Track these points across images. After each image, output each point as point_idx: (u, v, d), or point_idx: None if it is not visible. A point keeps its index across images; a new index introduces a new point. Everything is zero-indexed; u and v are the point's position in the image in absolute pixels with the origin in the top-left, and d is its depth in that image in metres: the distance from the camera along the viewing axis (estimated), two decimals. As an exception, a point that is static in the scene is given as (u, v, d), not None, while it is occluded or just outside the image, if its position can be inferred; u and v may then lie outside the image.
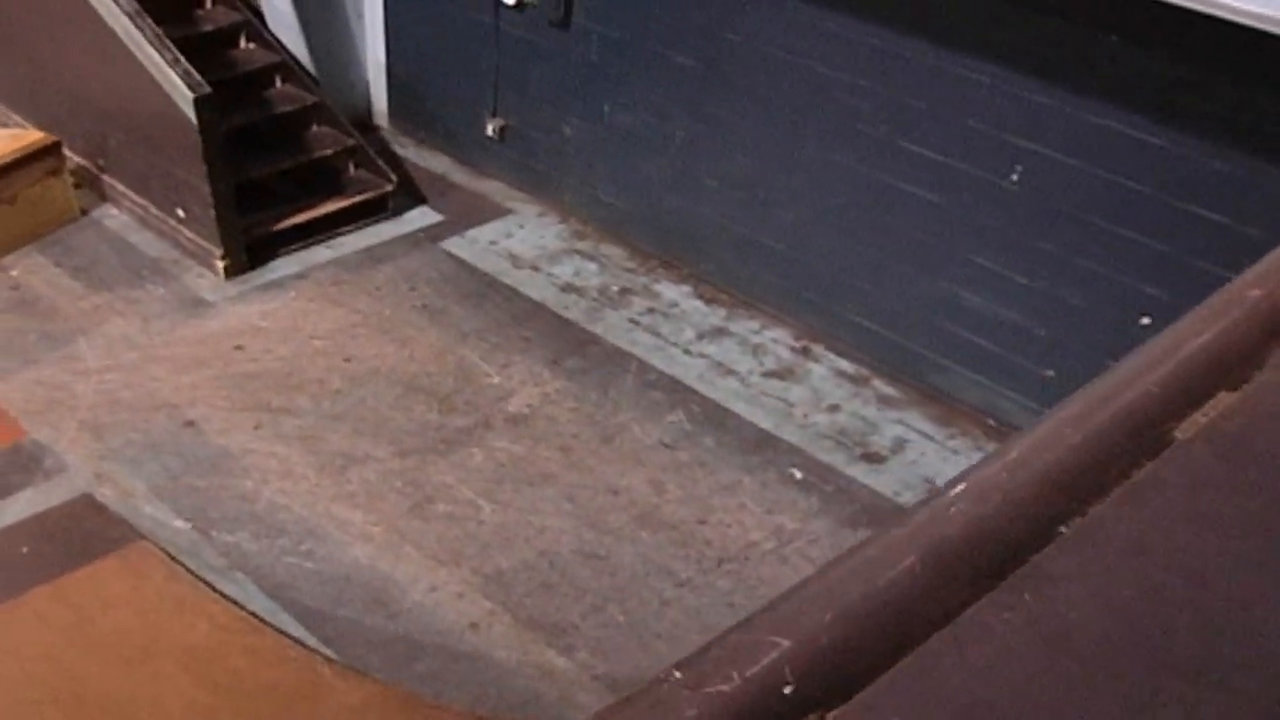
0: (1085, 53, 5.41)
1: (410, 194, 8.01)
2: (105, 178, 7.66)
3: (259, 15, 8.05)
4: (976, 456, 6.09)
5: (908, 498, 5.83)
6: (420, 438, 5.97)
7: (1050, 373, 6.04)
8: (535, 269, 7.35)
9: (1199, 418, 1.55)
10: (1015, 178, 5.81)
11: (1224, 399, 1.59)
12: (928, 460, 6.08)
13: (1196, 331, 1.73)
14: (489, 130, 8.13)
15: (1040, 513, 1.42)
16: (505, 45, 7.77)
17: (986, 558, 1.36)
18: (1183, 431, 1.53)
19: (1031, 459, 1.50)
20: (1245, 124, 5.12)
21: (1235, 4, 4.67)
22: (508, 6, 7.54)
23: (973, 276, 6.14)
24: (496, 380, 6.40)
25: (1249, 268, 1.91)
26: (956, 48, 5.78)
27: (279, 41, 7.83)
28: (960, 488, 1.44)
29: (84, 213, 7.54)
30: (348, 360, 6.45)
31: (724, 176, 6.99)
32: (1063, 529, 1.40)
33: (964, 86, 5.82)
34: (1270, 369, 1.64)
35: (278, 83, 7.76)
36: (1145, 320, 5.64)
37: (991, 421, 6.29)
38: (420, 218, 7.82)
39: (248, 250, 7.14)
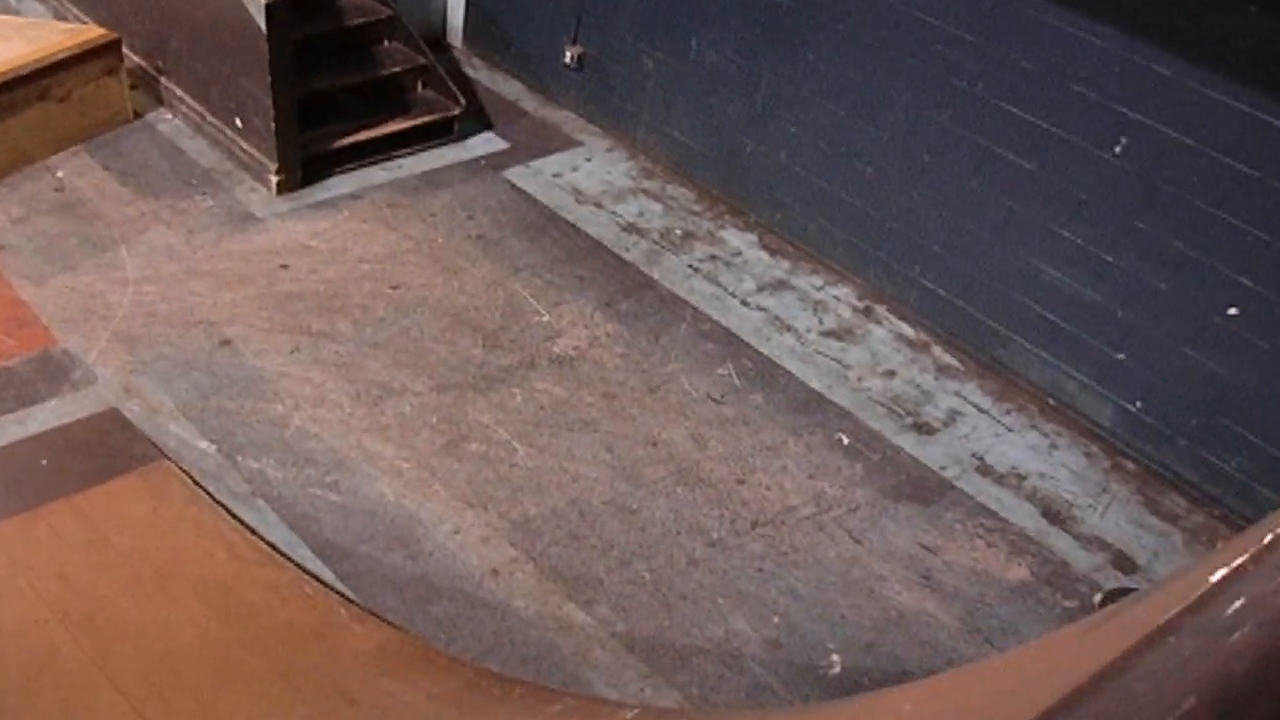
0: (1217, 21, 5.30)
1: (477, 119, 8.13)
2: (163, 81, 7.83)
3: (338, -80, 8.17)
4: (1031, 435, 6.15)
5: (954, 472, 5.90)
6: (461, 373, 6.13)
7: (1122, 356, 6.04)
8: (598, 206, 7.46)
9: None
10: (1118, 150, 5.77)
11: None
12: (979, 435, 6.13)
13: None
14: (567, 57, 8.21)
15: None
16: (591, -30, 7.85)
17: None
18: None
19: None
20: None
21: None
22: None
23: (1055, 250, 6.13)
24: (546, 319, 6.54)
25: None
26: (1071, 4, 5.73)
27: (356, -51, 7.96)
28: (1239, 604, 1.24)
29: (138, 116, 7.73)
30: (394, 287, 6.62)
31: (807, 123, 7.02)
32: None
33: (1074, 47, 5.77)
34: None
35: (353, -9, 7.90)
36: (1233, 310, 5.61)
37: (1052, 401, 6.31)
38: (485, 144, 7.94)
39: (303, 166, 7.30)
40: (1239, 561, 1.29)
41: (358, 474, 5.54)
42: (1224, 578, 1.27)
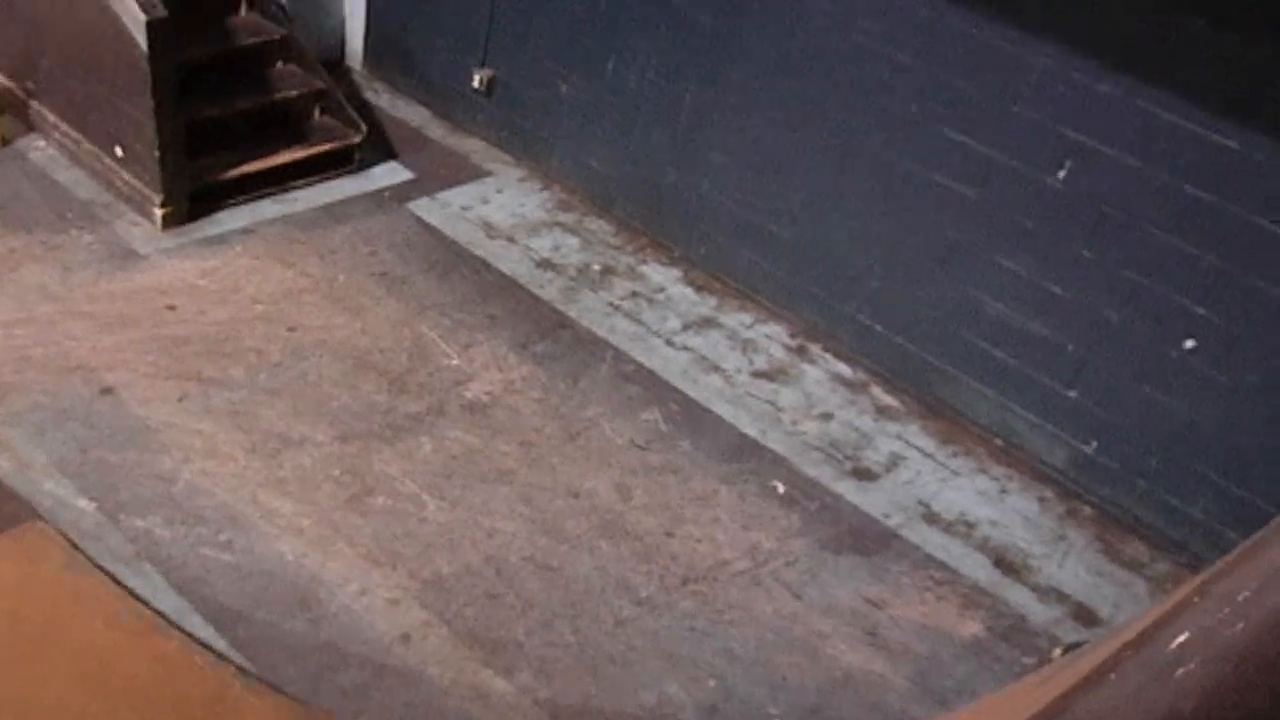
0: (1165, 37, 5.20)
1: (380, 147, 7.84)
2: (34, 104, 7.46)
3: (231, -72, 7.86)
4: (980, 479, 5.97)
5: (898, 520, 5.69)
6: (365, 421, 5.82)
7: (1074, 393, 5.89)
8: (511, 240, 7.19)
9: None
10: (1062, 174, 5.64)
11: None
12: (924, 481, 5.93)
13: None
14: (475, 81, 7.95)
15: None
16: (505, -13, 7.61)
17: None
18: None
19: (1267, 602, 1.26)
20: None
21: None
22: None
23: (1000, 281, 5.98)
24: (456, 362, 6.25)
25: None
26: (1012, 23, 5.59)
27: (249, -38, 7.66)
28: (1183, 638, 1.24)
29: (6, 143, 7.34)
30: (292, 329, 6.29)
31: (733, 151, 6.82)
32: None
33: (1016, 68, 5.63)
34: None
35: (242, 10, 7.58)
36: (1189, 343, 5.49)
37: (999, 442, 6.14)
38: (388, 175, 7.66)
39: (191, 199, 6.95)
40: (1183, 595, 1.30)
41: (253, 532, 5.20)
42: (1167, 612, 1.27)
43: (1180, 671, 1.20)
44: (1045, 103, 5.62)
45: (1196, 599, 1.29)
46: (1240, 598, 1.26)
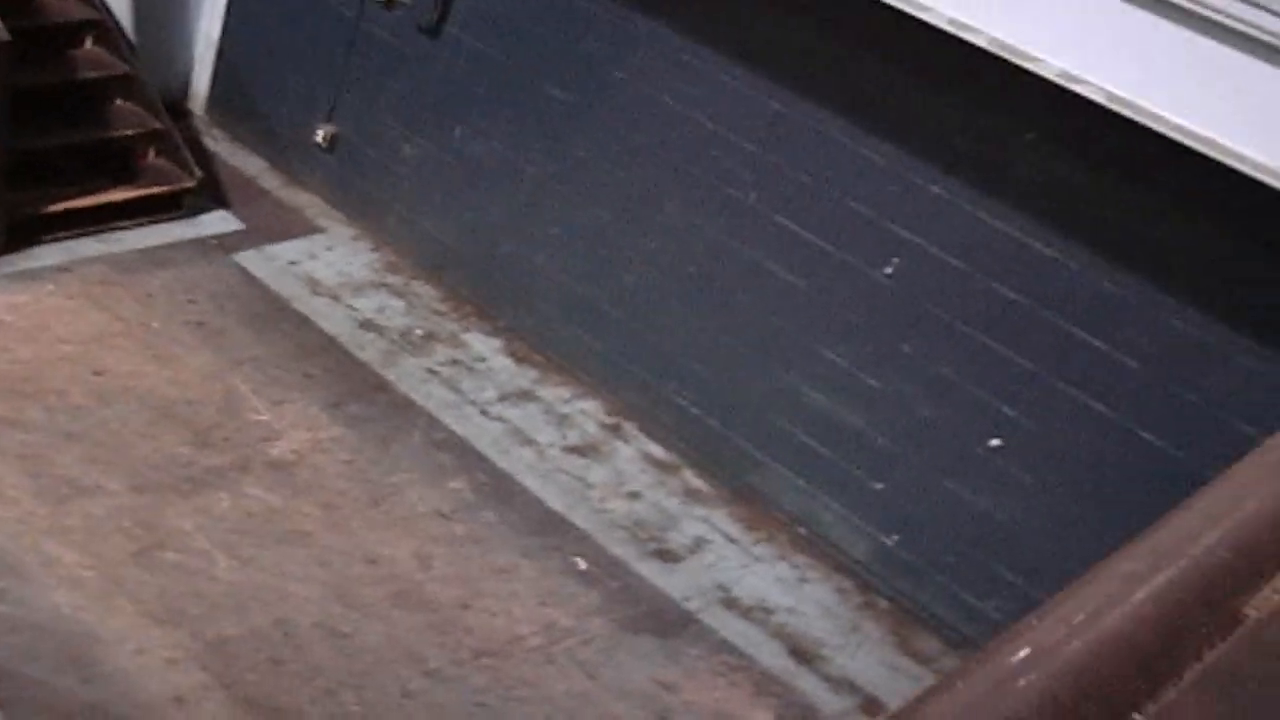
0: (998, 147, 5.40)
1: (212, 194, 7.72)
2: None
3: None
4: (780, 567, 6.02)
5: (697, 604, 5.72)
6: (163, 473, 5.69)
7: (881, 486, 5.99)
8: (335, 298, 7.12)
9: (1271, 594, 1.52)
10: (890, 270, 5.77)
11: None
12: (726, 565, 5.97)
13: (1253, 491, 1.73)
14: (318, 136, 7.88)
15: (1115, 693, 1.34)
16: (360, 44, 7.55)
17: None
18: (1255, 609, 1.49)
19: (1100, 624, 1.43)
20: (1149, 246, 5.17)
21: (1169, 116, 4.71)
22: (377, 2, 7.34)
23: (819, 371, 6.07)
24: (265, 418, 6.15)
25: None
26: (855, 121, 5.74)
27: (101, -8, 7.52)
28: (1025, 653, 1.36)
29: None
30: (98, 373, 6.14)
31: (571, 226, 6.85)
32: (1137, 716, 1.33)
33: (855, 163, 5.77)
34: None
35: (88, 42, 7.43)
36: (995, 442, 5.63)
37: (803, 531, 6.21)
38: (217, 223, 7.54)
39: (8, 231, 6.76)
40: (1027, 618, 1.44)
41: (31, 582, 5.04)
42: (1012, 630, 1.40)
43: (1022, 681, 1.30)
44: (879, 200, 5.76)
45: (1036, 621, 1.42)
46: (1075, 620, 1.41)
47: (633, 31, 6.42)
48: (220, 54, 8.40)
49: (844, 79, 5.80)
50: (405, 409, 6.44)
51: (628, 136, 6.54)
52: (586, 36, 6.58)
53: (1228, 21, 4.50)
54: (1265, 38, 4.46)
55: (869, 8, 5.27)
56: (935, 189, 5.60)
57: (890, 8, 5.20)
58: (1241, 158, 4.61)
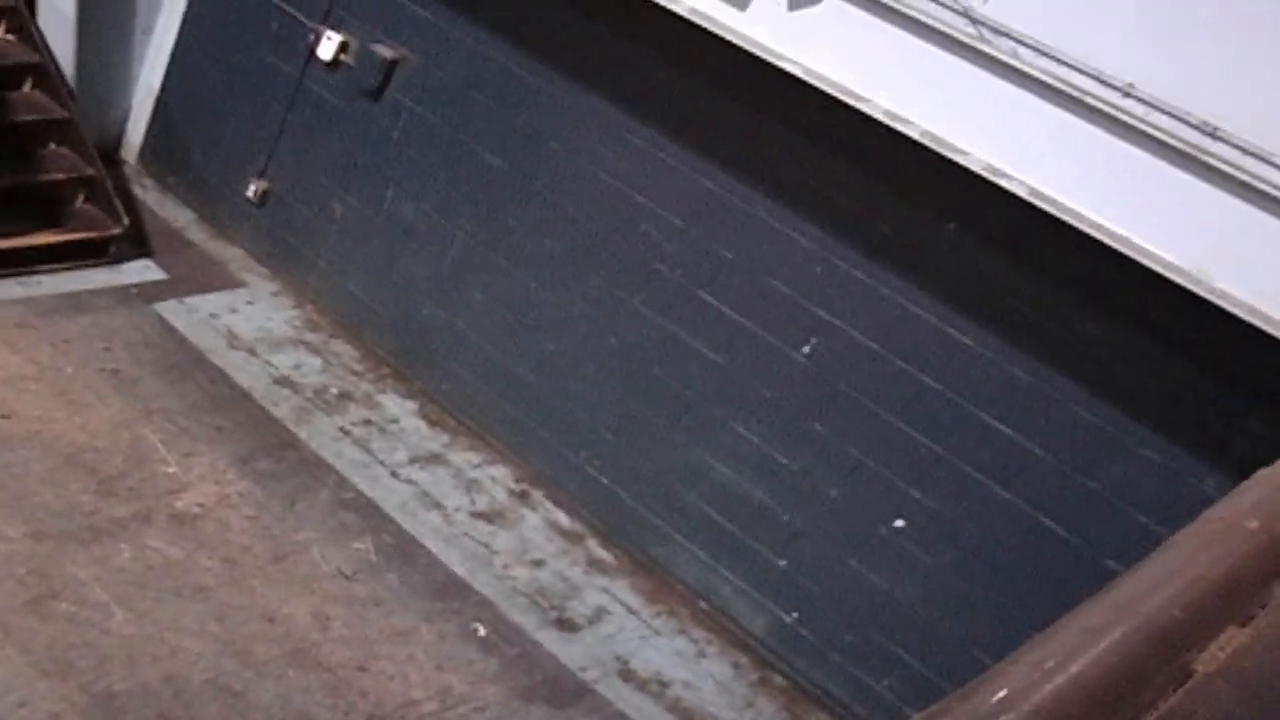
0: (920, 236, 5.54)
1: (138, 243, 7.73)
2: None
3: (31, 2, 7.72)
4: (679, 640, 6.06)
5: (594, 674, 5.74)
6: (64, 521, 5.66)
7: (784, 563, 6.06)
8: (252, 353, 7.14)
9: (1216, 651, 1.65)
10: (807, 350, 5.87)
11: (1235, 635, 1.69)
12: (625, 637, 6.00)
13: (1201, 557, 1.86)
14: (250, 191, 7.93)
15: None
16: (301, 102, 7.62)
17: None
18: (1203, 665, 1.62)
19: (1068, 670, 1.55)
20: (1061, 337, 5.32)
21: (1087, 213, 4.86)
22: (322, 62, 7.41)
23: (730, 446, 6.15)
24: (173, 470, 6.14)
25: (1243, 489, 2.12)
26: (784, 203, 5.87)
27: (44, 39, 7.53)
28: (1003, 694, 1.48)
29: None
30: (5, 416, 6.11)
31: (494, 291, 6.92)
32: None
33: (780, 244, 5.89)
34: (1272, 608, 1.76)
35: (27, 86, 7.48)
36: (899, 523, 5.72)
37: (704, 605, 6.26)
38: (141, 272, 7.55)
39: (-73, 269, 6.79)
40: (1001, 663, 1.57)
41: (-82, 627, 4.99)
42: (989, 673, 1.52)
43: (1002, 718, 1.42)
44: (801, 281, 5.87)
45: (1010, 665, 1.54)
46: (1046, 666, 1.52)
47: (571, 105, 6.53)
48: (159, 104, 8.45)
49: (775, 161, 5.93)
50: (315, 467, 6.45)
51: (559, 207, 6.63)
52: (526, 107, 6.69)
53: (1144, 127, 4.66)
54: (1178, 145, 4.62)
55: (806, 95, 5.41)
56: (857, 273, 5.72)
57: (827, 96, 5.34)
58: (1153, 255, 4.76)
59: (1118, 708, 1.50)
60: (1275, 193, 4.50)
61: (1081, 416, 5.37)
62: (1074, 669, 1.54)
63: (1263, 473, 2.21)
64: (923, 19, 5.07)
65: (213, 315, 7.36)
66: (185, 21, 8.13)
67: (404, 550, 6.12)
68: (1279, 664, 1.66)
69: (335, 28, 7.34)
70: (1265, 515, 1.95)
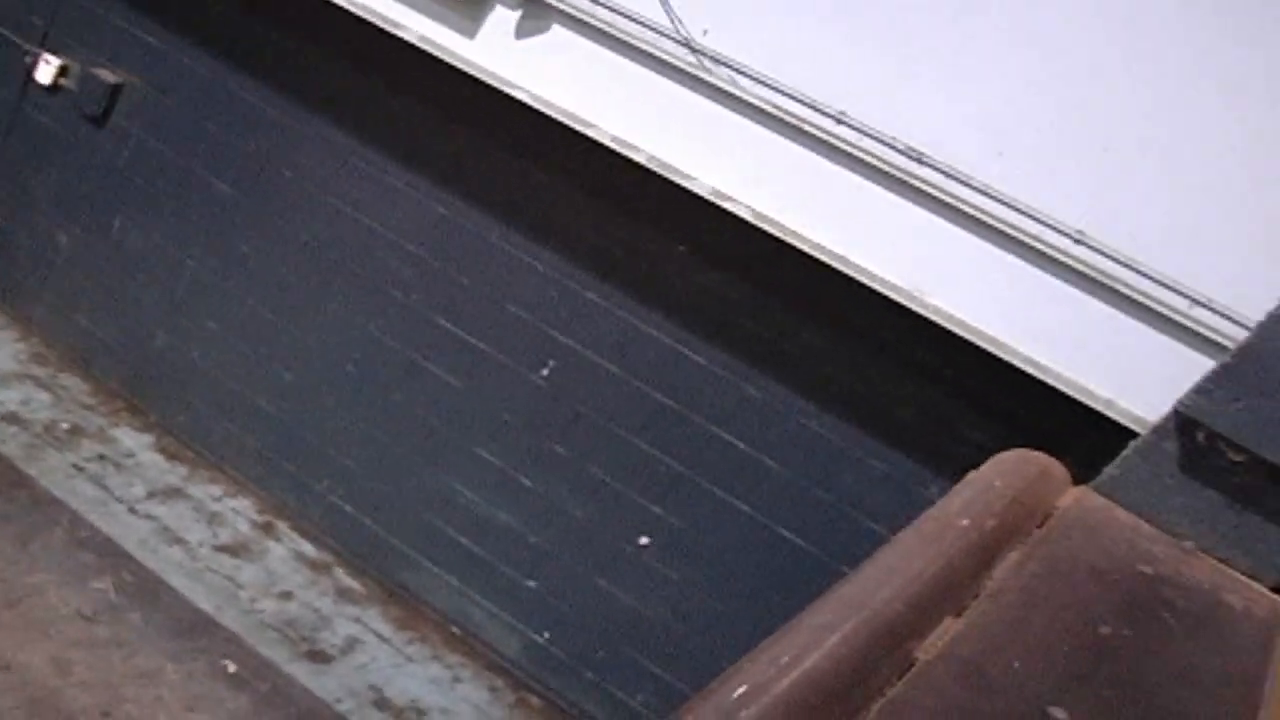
0: (652, 257, 5.71)
1: None
2: None
3: None
4: (433, 666, 6.11)
5: (349, 705, 5.74)
6: None
7: (533, 584, 6.16)
8: (-26, 390, 6.90)
9: (935, 640, 1.75)
10: (545, 373, 5.98)
11: (952, 624, 1.80)
12: (379, 666, 6.02)
13: (919, 554, 1.96)
14: (-34, 221, 7.64)
15: (817, 725, 1.51)
16: (20, 129, 7.36)
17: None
18: (924, 653, 1.72)
19: (803, 664, 1.62)
20: (789, 355, 5.54)
21: (808, 234, 5.10)
22: (41, 86, 7.18)
23: (473, 470, 6.22)
24: (-111, 517, 5.90)
25: (955, 490, 2.24)
26: (517, 228, 5.97)
27: None
28: (743, 690, 1.54)
29: None
30: None
31: (229, 321, 6.84)
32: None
33: (516, 269, 5.99)
34: (985, 598, 1.88)
35: None
36: (644, 540, 5.88)
37: (456, 630, 6.32)
38: None
39: None
40: (741, 660, 1.63)
41: None
42: (730, 670, 1.58)
43: (743, 714, 1.47)
44: (537, 305, 5.99)
45: (748, 663, 1.60)
46: (782, 662, 1.60)
47: (301, 131, 6.52)
48: None
49: (509, 187, 6.04)
50: (47, 506, 6.25)
51: (292, 234, 6.60)
52: (255, 134, 6.64)
53: (852, 150, 4.95)
54: (888, 168, 4.93)
55: (536, 121, 5.54)
56: (592, 295, 5.87)
57: (556, 122, 5.48)
58: (869, 274, 5.04)
59: (849, 695, 1.61)
60: (976, 214, 4.85)
61: (812, 430, 5.64)
62: (808, 662, 1.64)
63: (971, 475, 2.38)
64: (645, 48, 5.27)
65: (-73, 353, 7.09)
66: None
67: (146, 588, 6.00)
68: (991, 648, 1.79)
69: (55, 51, 7.15)
70: (974, 514, 2.12)
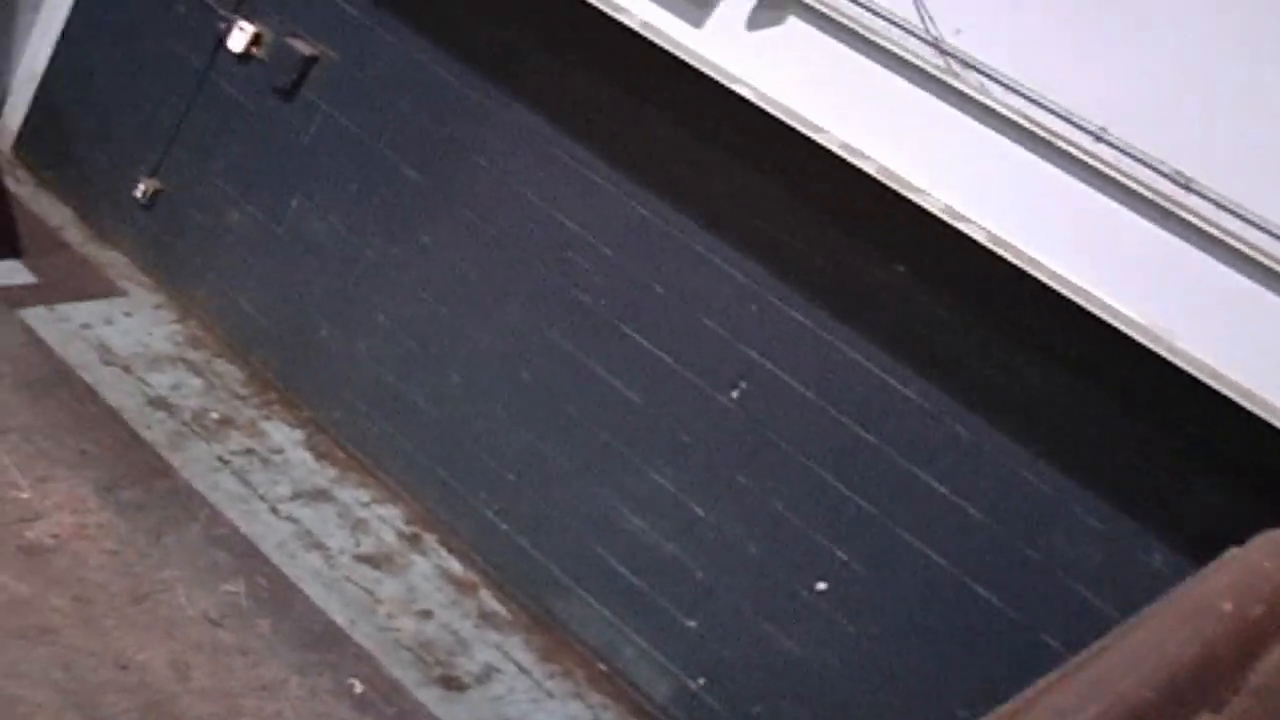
0: (865, 276, 5.35)
1: (6, 241, 7.34)
2: None
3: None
4: (573, 705, 5.82)
5: (477, 743, 5.48)
6: (-104, 549, 5.31)
7: (693, 623, 5.82)
8: (127, 370, 6.75)
9: None
10: (735, 394, 5.66)
11: None
12: (515, 698, 5.72)
13: (1172, 637, 1.83)
14: (138, 190, 7.55)
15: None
16: (204, 97, 7.24)
17: None
18: None
19: (1084, 712, 1.58)
20: (1010, 394, 5.15)
21: (1047, 262, 4.71)
22: (231, 54, 7.06)
23: (644, 494, 5.90)
24: (25, 495, 5.76)
25: (1215, 567, 2.07)
26: (722, 235, 5.65)
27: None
28: None
29: None
30: None
31: (401, 316, 6.61)
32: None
33: (714, 280, 5.67)
34: (1246, 694, 1.75)
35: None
36: (821, 585, 5.53)
37: (603, 666, 6.00)
38: (8, 273, 7.11)
39: None
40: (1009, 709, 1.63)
41: None
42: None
43: None
44: (734, 320, 5.64)
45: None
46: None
47: (500, 117, 6.25)
48: (42, 89, 8.04)
49: (717, 191, 5.72)
50: (187, 499, 6.08)
51: (479, 227, 6.34)
52: (451, 117, 6.39)
53: (1110, 172, 4.53)
54: (1146, 194, 4.49)
55: (756, 120, 5.20)
56: (795, 314, 5.54)
57: (776, 122, 5.14)
58: (1113, 310, 4.62)
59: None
60: (1250, 252, 4.36)
61: (1023, 478, 5.20)
62: (1088, 713, 1.56)
63: (1236, 551, 2.15)
64: (889, 46, 4.88)
65: (85, 326, 6.96)
66: (78, 1, 7.79)
67: (279, 594, 5.78)
68: None
69: (249, 18, 6.99)
70: (1239, 598, 1.93)
